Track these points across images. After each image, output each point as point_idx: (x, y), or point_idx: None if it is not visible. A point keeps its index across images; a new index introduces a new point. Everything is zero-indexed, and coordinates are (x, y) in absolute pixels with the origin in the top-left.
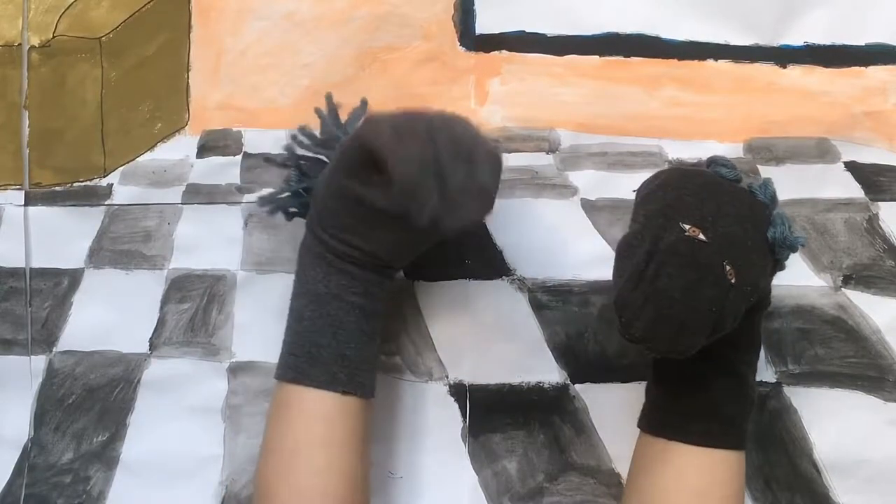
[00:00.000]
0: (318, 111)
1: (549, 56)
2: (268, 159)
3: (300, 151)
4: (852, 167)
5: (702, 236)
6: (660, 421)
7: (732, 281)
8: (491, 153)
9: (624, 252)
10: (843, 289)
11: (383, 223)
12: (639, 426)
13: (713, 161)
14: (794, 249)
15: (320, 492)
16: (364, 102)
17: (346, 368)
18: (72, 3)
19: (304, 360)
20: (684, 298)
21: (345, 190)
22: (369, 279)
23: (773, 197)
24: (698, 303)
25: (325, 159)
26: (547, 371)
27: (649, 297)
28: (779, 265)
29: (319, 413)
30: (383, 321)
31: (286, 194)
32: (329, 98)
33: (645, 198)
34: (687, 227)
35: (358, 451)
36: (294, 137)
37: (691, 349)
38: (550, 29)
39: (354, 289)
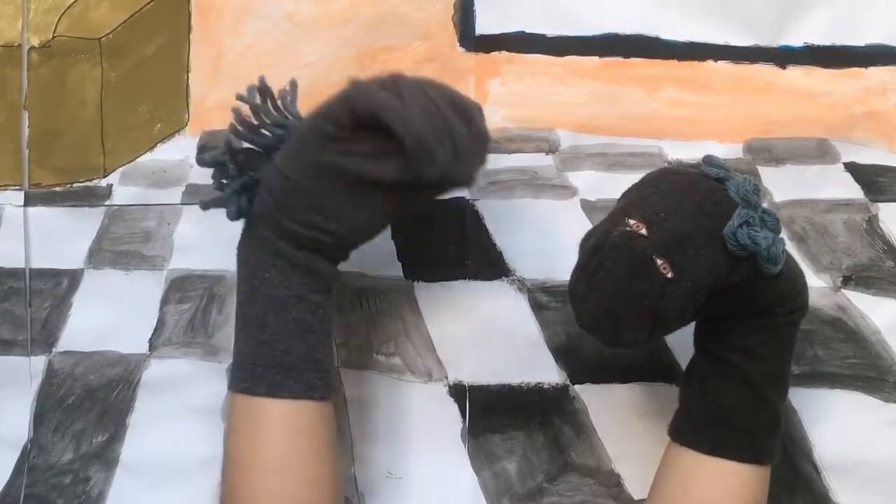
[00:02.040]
0: (241, 97)
1: (548, 57)
2: (200, 161)
3: (237, 145)
4: (852, 168)
5: (643, 231)
6: (677, 427)
7: (669, 276)
8: (476, 104)
9: (580, 246)
10: (842, 289)
11: (358, 195)
12: (667, 432)
13: (704, 160)
14: (747, 248)
15: (315, 502)
16: (293, 83)
17: (320, 373)
18: (72, 4)
19: (277, 372)
20: (619, 291)
21: (320, 162)
22: (329, 272)
23: (746, 196)
24: (632, 296)
25: (262, 147)
26: (546, 372)
27: (591, 289)
28: (762, 267)
29: (302, 424)
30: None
31: (231, 192)
32: (263, 82)
33: (621, 196)
34: (632, 222)
35: (336, 453)
36: (234, 132)
37: (636, 343)
38: (550, 29)
39: (316, 287)
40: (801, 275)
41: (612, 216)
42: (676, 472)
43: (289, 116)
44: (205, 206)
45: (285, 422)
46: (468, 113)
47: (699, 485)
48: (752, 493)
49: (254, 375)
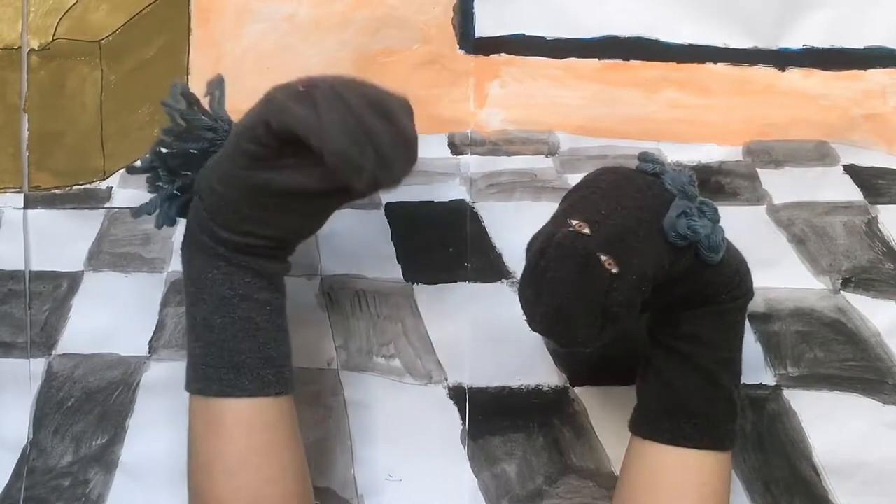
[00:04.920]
0: (165, 104)
1: (548, 59)
2: (130, 169)
3: (165, 150)
4: (851, 170)
5: (586, 230)
6: (637, 420)
7: (614, 271)
8: (402, 101)
9: (526, 250)
10: (842, 292)
11: (291, 205)
12: (628, 427)
13: (640, 156)
14: (686, 238)
15: (279, 497)
16: (220, 79)
17: (273, 369)
18: (71, 6)
19: (228, 371)
20: (567, 291)
21: (247, 180)
22: (273, 271)
23: (682, 188)
24: (580, 294)
25: (194, 151)
26: (546, 374)
27: (540, 292)
28: (704, 256)
29: (259, 421)
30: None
31: (160, 200)
32: (184, 87)
33: (562, 199)
34: (574, 222)
35: (299, 446)
36: (160, 142)
37: (590, 342)
38: (550, 32)
39: (261, 284)
40: (743, 262)
41: (554, 219)
42: (641, 465)
43: (217, 119)
44: (135, 213)
45: (242, 421)
46: (390, 113)
47: (664, 476)
48: (715, 479)
49: (206, 377)
